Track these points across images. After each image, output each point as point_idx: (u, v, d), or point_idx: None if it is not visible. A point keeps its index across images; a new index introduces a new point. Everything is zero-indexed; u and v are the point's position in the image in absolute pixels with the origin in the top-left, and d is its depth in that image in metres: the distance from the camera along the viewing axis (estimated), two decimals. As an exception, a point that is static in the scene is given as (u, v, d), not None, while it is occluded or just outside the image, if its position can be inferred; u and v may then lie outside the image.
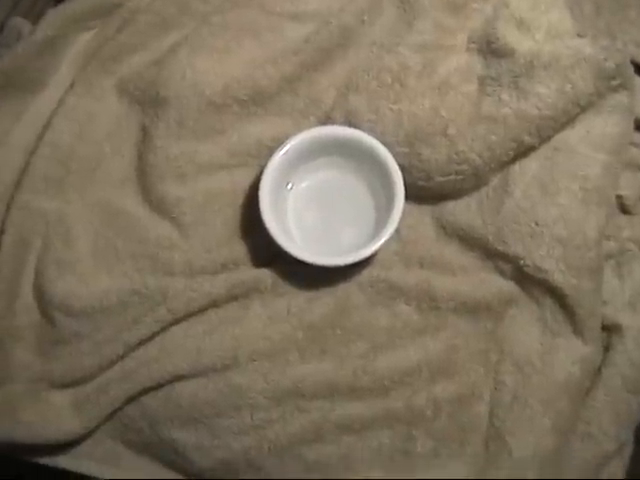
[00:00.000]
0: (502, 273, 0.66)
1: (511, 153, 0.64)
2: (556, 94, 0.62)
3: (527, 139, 0.63)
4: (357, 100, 0.66)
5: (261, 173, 0.64)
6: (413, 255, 0.66)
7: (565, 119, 0.64)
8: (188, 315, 0.64)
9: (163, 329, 0.63)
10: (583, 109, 0.64)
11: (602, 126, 0.65)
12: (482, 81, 0.65)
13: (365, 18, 0.68)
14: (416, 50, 0.66)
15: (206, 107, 0.66)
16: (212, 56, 0.67)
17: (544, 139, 0.65)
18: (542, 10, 0.67)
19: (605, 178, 0.64)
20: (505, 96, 0.63)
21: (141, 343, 0.63)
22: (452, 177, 0.65)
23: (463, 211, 0.66)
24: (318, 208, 0.67)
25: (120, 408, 0.63)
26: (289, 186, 0.67)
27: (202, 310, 0.64)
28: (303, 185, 0.68)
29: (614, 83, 0.64)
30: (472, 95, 0.65)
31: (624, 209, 0.68)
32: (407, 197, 0.63)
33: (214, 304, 0.64)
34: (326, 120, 0.67)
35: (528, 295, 0.66)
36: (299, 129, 0.66)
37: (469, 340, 0.64)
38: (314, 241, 0.66)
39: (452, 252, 0.66)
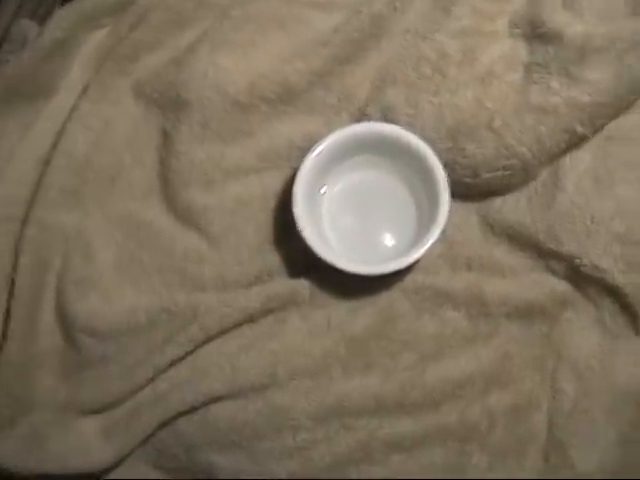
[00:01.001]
0: (555, 273, 0.62)
1: (562, 145, 0.61)
2: (611, 80, 0.59)
3: (579, 129, 0.60)
4: (394, 94, 0.62)
5: (293, 176, 0.60)
6: (460, 257, 0.63)
7: (620, 106, 0.61)
8: (222, 332, 0.60)
9: (195, 348, 0.60)
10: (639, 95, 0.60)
11: None
12: (528, 68, 0.61)
13: (397, 5, 0.64)
14: (455, 37, 0.62)
15: (231, 107, 0.62)
16: (235, 52, 0.63)
17: (597, 128, 0.61)
18: (591, -12, 0.62)
19: None
20: (554, 84, 0.59)
21: (172, 364, 0.60)
22: (500, 173, 0.61)
23: (511, 208, 0.63)
24: (355, 211, 0.64)
25: (153, 434, 0.60)
26: (323, 190, 0.63)
27: (236, 326, 0.61)
28: (338, 187, 0.64)
29: None
30: (518, 84, 0.61)
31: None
32: (451, 195, 0.60)
33: (249, 319, 0.61)
34: (361, 116, 0.64)
35: (584, 296, 0.62)
36: (332, 127, 0.63)
37: (523, 346, 0.61)
38: (352, 247, 0.63)
39: (501, 252, 0.63)
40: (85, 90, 0.66)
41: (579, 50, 0.59)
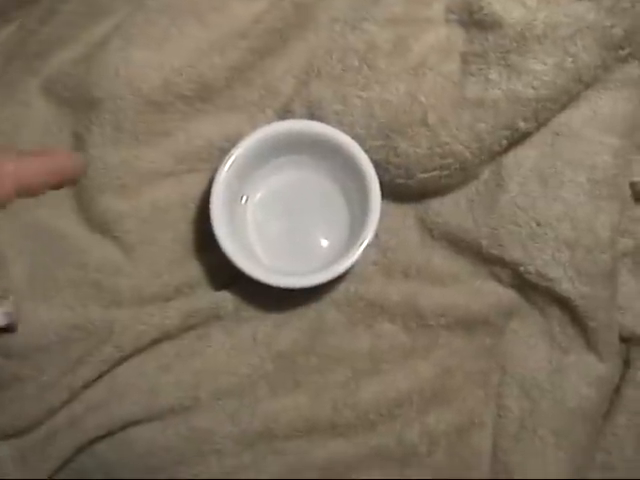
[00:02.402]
0: (499, 280, 0.59)
1: (504, 142, 0.57)
2: (554, 70, 0.54)
3: (522, 125, 0.56)
4: (320, 88, 0.58)
5: (213, 179, 0.56)
6: (395, 264, 0.60)
7: (566, 99, 0.56)
8: (138, 350, 0.57)
9: (112, 368, 0.57)
10: (587, 86, 0.56)
11: (611, 105, 0.57)
12: (465, 59, 0.57)
13: None
14: (385, 25, 0.58)
15: (145, 107, 0.58)
16: (148, 46, 0.58)
17: (542, 123, 0.57)
18: (532, -31, 0.57)
19: (616, 166, 0.57)
20: (494, 75, 0.55)
21: (87, 385, 0.57)
22: (436, 173, 0.57)
23: (451, 210, 0.59)
24: (282, 216, 0.60)
25: (71, 458, 0.57)
26: (244, 196, 0.59)
27: (155, 343, 0.58)
28: (262, 191, 0.60)
29: (622, 53, 0.56)
30: (454, 76, 0.56)
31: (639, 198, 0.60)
32: (385, 196, 0.57)
33: (168, 336, 0.58)
34: (285, 113, 0.59)
35: (531, 305, 0.59)
36: (255, 125, 0.59)
37: (465, 360, 0.58)
38: (280, 255, 0.59)
39: (440, 258, 0.60)
40: (-9, 91, 0.62)
41: (519, 38, 0.55)
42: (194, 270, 0.59)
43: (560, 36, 0.54)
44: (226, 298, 0.58)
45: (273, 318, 0.58)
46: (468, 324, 0.58)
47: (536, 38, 0.54)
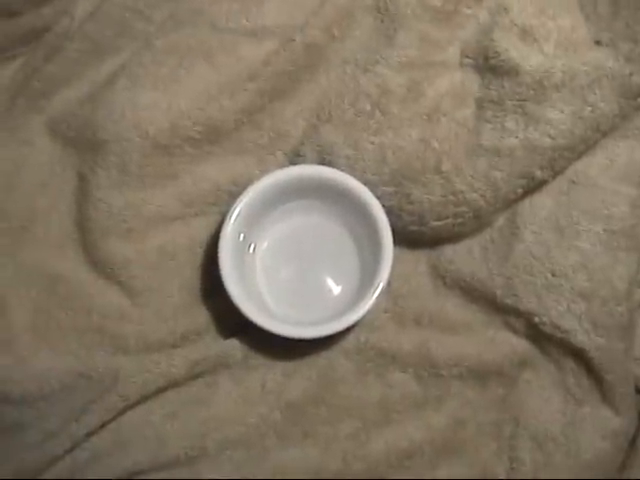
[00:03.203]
0: (513, 330, 0.58)
1: (519, 190, 0.56)
2: (572, 119, 0.53)
3: (538, 174, 0.55)
4: (331, 132, 0.57)
5: (222, 223, 0.56)
6: (407, 312, 0.58)
7: (583, 148, 0.55)
8: (144, 399, 0.56)
9: (117, 416, 0.55)
10: (604, 134, 0.55)
11: (628, 153, 0.56)
12: (480, 105, 0.56)
13: (335, 33, 0.58)
14: (399, 69, 0.57)
15: (152, 150, 0.57)
16: (156, 87, 0.57)
17: (558, 172, 0.56)
18: (550, 15, 0.56)
19: (634, 216, 0.56)
20: (510, 123, 0.54)
21: (92, 433, 0.55)
22: (450, 221, 0.56)
23: (464, 258, 0.58)
24: (292, 263, 0.58)
25: None
26: (252, 248, 0.58)
27: (161, 392, 0.56)
28: (272, 237, 0.59)
29: None
30: (469, 122, 0.56)
31: (656, 247, 0.58)
32: (397, 242, 0.56)
33: (174, 384, 0.56)
34: (295, 156, 0.59)
35: (546, 356, 0.58)
36: (264, 168, 0.59)
37: (478, 411, 0.57)
38: (289, 304, 0.58)
39: (453, 307, 0.58)
40: (-6, 129, 0.61)
41: (537, 86, 0.54)
42: (201, 317, 0.58)
43: (578, 85, 0.53)
44: (234, 346, 0.57)
45: (282, 367, 0.57)
46: (481, 374, 0.57)
47: (554, 86, 0.53)
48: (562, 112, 0.53)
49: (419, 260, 0.59)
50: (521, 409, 0.57)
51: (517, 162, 0.54)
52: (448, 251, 0.59)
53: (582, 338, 0.55)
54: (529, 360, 0.57)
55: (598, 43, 0.55)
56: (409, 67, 0.56)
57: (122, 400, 0.55)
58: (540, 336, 0.57)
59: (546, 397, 0.57)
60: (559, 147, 0.54)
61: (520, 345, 0.57)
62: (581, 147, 0.55)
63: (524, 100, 0.54)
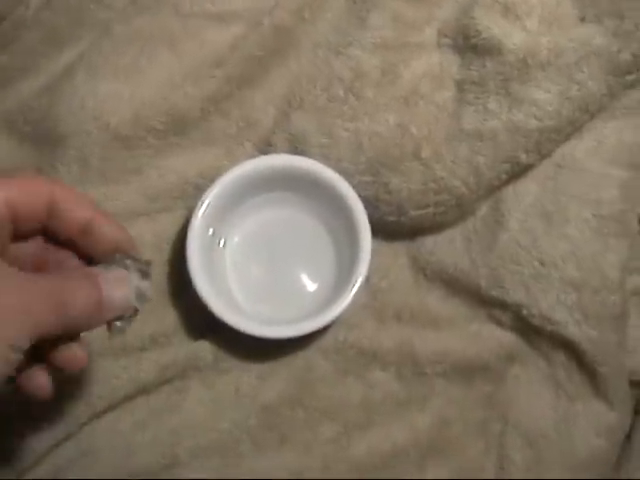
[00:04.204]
0: (499, 323, 0.56)
1: (504, 176, 0.53)
2: (559, 99, 0.51)
3: (523, 158, 0.52)
4: (303, 120, 0.54)
5: (189, 221, 0.53)
6: (387, 307, 0.56)
7: (570, 129, 0.52)
8: (111, 407, 0.53)
9: (82, 426, 0.53)
10: (592, 115, 0.52)
11: (616, 134, 0.54)
12: (461, 87, 0.53)
13: (306, 15, 0.56)
14: (373, 51, 0.54)
15: (114, 142, 0.54)
16: (117, 77, 0.54)
17: (545, 155, 0.53)
18: (533, -11, 0.53)
19: (624, 200, 0.53)
20: (493, 105, 0.51)
21: (58, 444, 0.53)
22: (430, 210, 0.54)
23: (446, 249, 0.56)
24: (263, 259, 0.56)
25: None
26: (221, 243, 0.55)
27: (129, 399, 0.54)
28: (243, 232, 0.56)
29: (629, 78, 0.52)
30: (449, 105, 0.53)
31: (649, 232, 0.56)
32: (374, 234, 0.53)
33: (143, 390, 0.54)
34: (266, 146, 0.56)
35: (534, 349, 0.56)
36: (233, 159, 0.56)
37: (464, 409, 0.55)
38: (263, 302, 0.55)
39: (435, 300, 0.56)
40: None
41: (521, 64, 0.51)
42: (169, 318, 0.55)
43: (565, 62, 0.50)
44: (205, 348, 0.54)
45: (256, 369, 0.55)
46: (466, 371, 0.55)
47: (539, 65, 0.50)
48: (548, 92, 0.50)
49: (398, 252, 0.57)
50: (510, 406, 0.55)
51: (501, 146, 0.51)
52: (429, 242, 0.56)
53: (573, 330, 0.53)
54: (517, 354, 0.55)
55: (583, 20, 0.52)
56: (384, 49, 0.54)
57: (89, 408, 0.53)
58: (528, 329, 0.55)
59: (536, 393, 0.55)
60: (545, 129, 0.51)
61: (507, 339, 0.55)
62: (568, 129, 0.52)
63: (507, 80, 0.51)
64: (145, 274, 0.42)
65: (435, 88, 0.53)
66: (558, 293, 0.53)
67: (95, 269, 0.40)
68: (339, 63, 0.54)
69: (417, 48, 0.54)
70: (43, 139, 0.56)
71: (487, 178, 0.52)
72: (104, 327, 0.41)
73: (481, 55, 0.52)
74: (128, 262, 0.41)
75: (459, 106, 0.53)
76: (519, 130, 0.51)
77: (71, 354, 0.39)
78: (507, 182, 0.54)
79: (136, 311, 0.41)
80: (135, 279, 0.41)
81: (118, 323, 0.41)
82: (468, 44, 0.53)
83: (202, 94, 0.54)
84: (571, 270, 0.53)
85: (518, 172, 0.53)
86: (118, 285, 0.40)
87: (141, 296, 0.41)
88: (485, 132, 0.51)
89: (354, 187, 0.53)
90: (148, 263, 0.42)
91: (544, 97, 0.50)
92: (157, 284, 0.55)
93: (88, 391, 0.53)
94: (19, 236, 0.40)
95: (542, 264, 0.53)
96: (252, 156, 0.55)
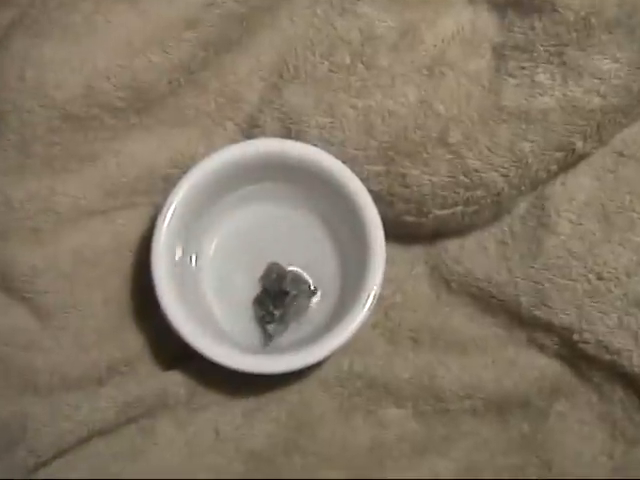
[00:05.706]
0: (542, 349, 0.50)
1: (554, 167, 0.46)
2: (628, 70, 0.43)
3: (580, 145, 0.45)
4: (297, 94, 0.48)
5: (155, 222, 0.46)
6: (402, 328, 0.51)
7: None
8: (61, 453, 0.47)
9: (26, 476, 0.47)
10: None
11: None
12: (500, 53, 0.46)
13: None
14: (387, 9, 0.47)
15: (61, 122, 0.47)
16: (64, 40, 0.47)
17: (605, 142, 0.46)
18: None
19: None
20: (542, 77, 0.44)
21: None
22: (459, 209, 0.47)
23: (475, 256, 0.50)
24: (248, 268, 0.49)
25: None
26: (193, 260, 0.48)
27: (83, 442, 0.47)
28: (221, 235, 0.50)
29: None
30: (484, 77, 0.46)
31: None
32: (386, 236, 0.47)
33: (101, 433, 0.47)
34: (251, 128, 0.50)
35: (585, 381, 0.49)
36: (210, 144, 0.50)
37: (496, 454, 0.49)
38: (248, 323, 0.48)
39: (462, 319, 0.51)
40: None
41: (582, 25, 0.43)
42: (133, 342, 0.50)
43: (638, 23, 0.42)
44: (176, 380, 0.49)
45: (241, 405, 0.49)
46: (500, 407, 0.49)
47: (605, 25, 0.43)
48: (616, 61, 0.43)
49: (415, 260, 0.52)
50: (553, 450, 0.49)
51: (552, 129, 0.44)
52: (453, 247, 0.51)
53: (638, 361, 0.46)
54: (562, 387, 0.50)
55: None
56: (401, 5, 0.47)
57: (32, 456, 0.47)
58: (578, 357, 0.48)
59: (586, 435, 0.49)
60: (610, 109, 0.44)
61: (551, 368, 0.49)
62: (638, 109, 0.45)
63: (563, 45, 0.44)
64: None
65: (467, 55, 0.46)
66: (620, 315, 0.47)
67: None
68: (344, 23, 0.48)
69: (443, 4, 0.47)
70: (-25, 121, 0.49)
71: (534, 170, 0.45)
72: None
73: (527, 12, 0.45)
74: None
75: (497, 78, 0.45)
76: (576, 109, 0.44)
77: None
78: (556, 175, 0.47)
79: None
80: None
81: None
82: (510, -1, 0.45)
83: (170, 62, 0.48)
84: (636, 286, 0.46)
85: (571, 162, 0.46)
86: None
87: None
88: (532, 112, 0.44)
89: (363, 180, 0.47)
90: None
91: (610, 67, 0.43)
92: (117, 300, 0.50)
93: (32, 434, 0.47)
94: None
95: (600, 278, 0.47)
96: (234, 140, 0.50)
